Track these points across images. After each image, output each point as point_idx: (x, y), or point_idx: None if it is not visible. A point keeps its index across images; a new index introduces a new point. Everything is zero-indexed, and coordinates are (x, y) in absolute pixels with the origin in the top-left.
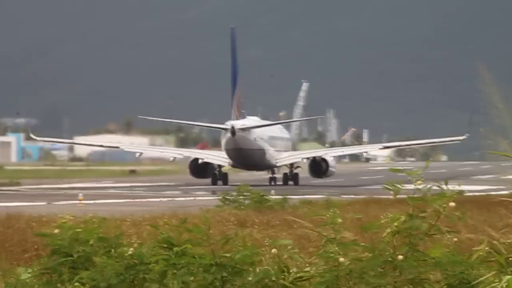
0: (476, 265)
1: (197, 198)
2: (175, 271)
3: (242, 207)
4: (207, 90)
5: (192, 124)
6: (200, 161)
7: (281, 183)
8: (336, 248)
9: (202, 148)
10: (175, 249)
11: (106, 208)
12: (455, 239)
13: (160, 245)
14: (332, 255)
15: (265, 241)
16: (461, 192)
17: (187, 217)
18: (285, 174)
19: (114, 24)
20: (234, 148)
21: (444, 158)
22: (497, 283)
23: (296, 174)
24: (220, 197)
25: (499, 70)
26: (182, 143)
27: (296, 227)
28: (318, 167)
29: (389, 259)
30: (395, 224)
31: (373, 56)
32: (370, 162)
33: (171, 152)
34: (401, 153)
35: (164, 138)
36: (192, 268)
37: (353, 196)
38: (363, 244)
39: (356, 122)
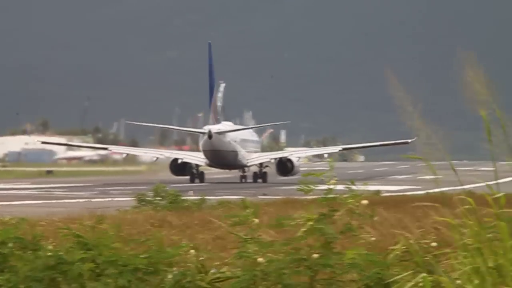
0: (392, 265)
1: (114, 199)
2: (97, 271)
3: (159, 207)
4: (124, 91)
5: (174, 129)
6: (179, 160)
7: (251, 181)
8: (255, 248)
9: None
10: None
11: (22, 210)
12: (373, 238)
13: (76, 246)
14: (250, 254)
15: (183, 242)
16: (377, 192)
17: (103, 217)
18: (255, 173)
19: (29, 25)
20: (211, 149)
21: (361, 158)
22: (412, 282)
23: (265, 172)
24: (136, 198)
25: (414, 72)
26: (100, 143)
27: (214, 228)
28: (284, 166)
29: (304, 257)
30: (310, 223)
31: (290, 57)
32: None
33: (154, 152)
34: (318, 155)
35: (82, 138)
36: (109, 269)
37: (271, 197)
38: (278, 242)
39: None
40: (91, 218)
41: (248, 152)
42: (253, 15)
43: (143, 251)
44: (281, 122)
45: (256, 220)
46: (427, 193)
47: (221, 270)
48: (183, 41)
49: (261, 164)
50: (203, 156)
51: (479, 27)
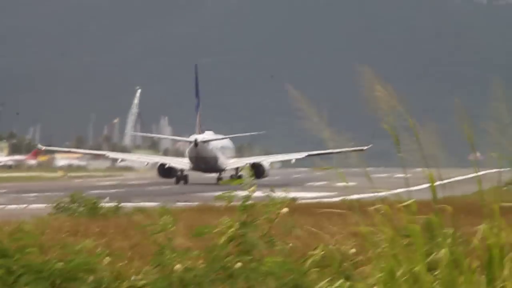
0: (309, 272)
1: (29, 205)
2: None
3: (75, 214)
4: (39, 96)
5: (163, 138)
6: (166, 165)
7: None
8: (173, 255)
9: (35, 154)
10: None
11: None
12: (290, 245)
13: None
14: (167, 262)
15: (98, 250)
16: (294, 199)
17: (19, 224)
18: (231, 175)
19: None
20: (196, 156)
21: (277, 165)
22: None
23: (240, 175)
24: (53, 205)
25: (336, 77)
26: (15, 149)
27: (131, 235)
28: (257, 170)
29: (227, 265)
30: (231, 230)
31: (207, 63)
32: None
33: (146, 159)
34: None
35: None
36: (24, 276)
37: (187, 203)
38: (196, 251)
39: (190, 130)
40: (6, 224)
41: (226, 157)
42: (170, 21)
43: (59, 259)
44: (256, 133)
45: (173, 228)
46: (343, 199)
47: (138, 278)
48: (98, 46)
49: (237, 168)
50: (187, 161)
51: (392, 36)
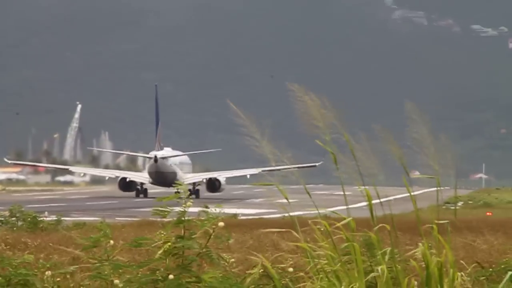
0: None
1: None
2: None
3: (15, 228)
4: None
5: (125, 154)
6: (127, 179)
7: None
8: (110, 270)
9: None
10: None
11: None
12: (233, 260)
13: None
14: (106, 276)
15: (39, 263)
16: (235, 215)
17: None
18: (189, 190)
19: None
20: (156, 171)
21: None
22: None
23: (198, 190)
24: None
25: (270, 96)
26: None
27: (69, 250)
28: (213, 185)
29: (160, 278)
30: (168, 244)
31: (148, 78)
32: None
33: (107, 173)
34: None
35: None
36: None
37: (127, 219)
38: (133, 264)
39: (130, 145)
40: None
41: (184, 172)
42: (111, 37)
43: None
44: (212, 150)
45: (111, 242)
46: (283, 217)
47: None
48: (39, 61)
49: (194, 183)
50: (147, 176)
51: (332, 55)
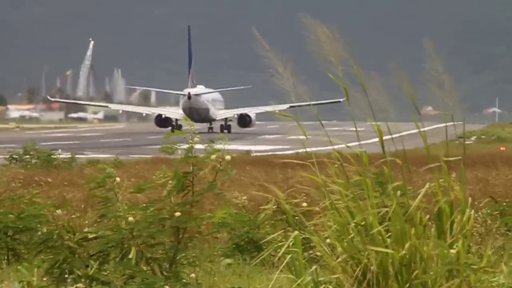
0: (262, 224)
1: None
2: None
3: (29, 166)
4: None
5: (161, 91)
6: (162, 116)
7: (218, 131)
8: (122, 208)
9: None
10: None
11: None
12: (244, 198)
13: None
14: (116, 214)
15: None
16: (248, 152)
17: None
18: (221, 125)
19: None
20: (189, 107)
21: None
22: (284, 241)
23: (229, 125)
24: (6, 156)
25: (283, 34)
26: None
27: (84, 187)
28: (244, 120)
29: (167, 216)
30: (173, 182)
31: (161, 13)
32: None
33: (143, 109)
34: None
35: None
36: None
37: (141, 156)
38: (143, 203)
39: (143, 82)
40: None
41: (216, 109)
42: None
43: (12, 210)
44: (242, 87)
45: (118, 179)
46: (297, 153)
47: (90, 230)
48: None
49: (226, 118)
50: (181, 112)
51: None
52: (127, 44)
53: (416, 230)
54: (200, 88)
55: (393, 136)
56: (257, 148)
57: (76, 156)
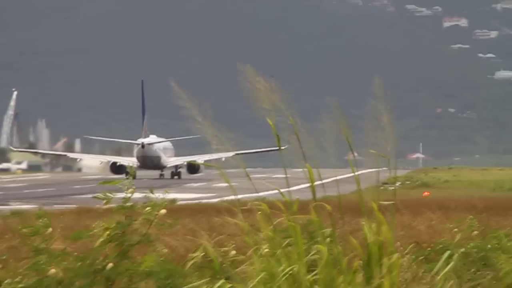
0: (189, 272)
1: None
2: None
3: None
4: None
5: (119, 141)
6: (117, 163)
7: (169, 177)
8: (48, 259)
9: None
10: None
11: None
12: (165, 251)
13: None
14: (43, 265)
15: None
16: (173, 200)
17: None
18: (172, 172)
19: None
20: (143, 155)
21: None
22: None
23: (180, 172)
24: None
25: (207, 79)
26: None
27: (7, 238)
28: (193, 167)
29: (99, 267)
30: (107, 232)
31: (84, 63)
32: (83, 171)
33: (100, 158)
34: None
35: None
36: None
37: (66, 206)
38: (74, 254)
39: (68, 131)
40: None
41: (167, 157)
42: (46, 22)
43: None
44: (193, 136)
45: (50, 229)
46: (222, 200)
47: (15, 281)
48: None
49: (176, 165)
50: (135, 160)
51: (269, 36)
52: (51, 93)
53: (344, 277)
54: (152, 138)
55: (321, 182)
56: (183, 197)
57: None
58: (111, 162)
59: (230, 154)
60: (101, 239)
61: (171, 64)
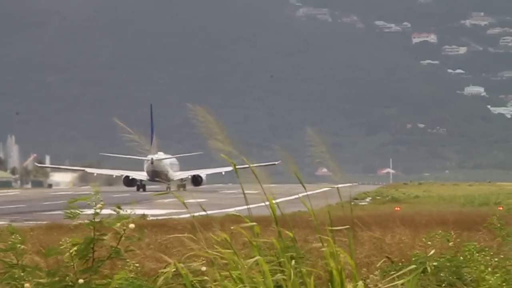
0: None
1: None
2: None
3: None
4: None
5: (129, 158)
6: (130, 177)
7: (175, 189)
8: (21, 274)
9: None
10: None
11: None
12: (137, 265)
13: None
14: (16, 281)
15: None
16: (144, 216)
17: None
18: (178, 184)
19: None
20: (152, 170)
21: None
22: None
23: (185, 184)
24: None
25: (179, 96)
26: None
27: None
28: (197, 180)
29: (70, 283)
30: (74, 248)
31: (53, 80)
32: (54, 187)
33: (114, 172)
34: (84, 179)
35: None
36: None
37: (36, 222)
38: (45, 269)
39: (37, 148)
40: None
41: (174, 171)
42: (15, 38)
43: None
44: (194, 153)
45: (22, 246)
46: (193, 216)
47: None
48: None
49: (181, 179)
50: (145, 174)
51: (236, 52)
52: (20, 110)
53: None
54: (160, 154)
55: (289, 198)
56: (153, 212)
57: None
58: (123, 176)
59: (230, 168)
60: (67, 254)
61: (141, 80)
